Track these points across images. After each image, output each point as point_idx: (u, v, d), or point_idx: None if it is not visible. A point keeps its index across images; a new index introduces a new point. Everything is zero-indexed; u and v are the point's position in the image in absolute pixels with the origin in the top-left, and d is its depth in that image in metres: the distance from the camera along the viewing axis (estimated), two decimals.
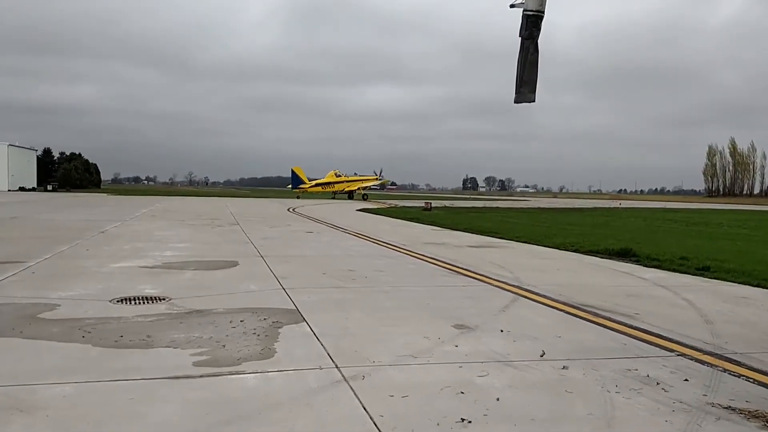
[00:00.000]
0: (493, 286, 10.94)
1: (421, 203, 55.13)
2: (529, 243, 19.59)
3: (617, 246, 17.27)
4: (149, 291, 9.58)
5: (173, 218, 28.71)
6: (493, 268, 13.01)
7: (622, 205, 69.10)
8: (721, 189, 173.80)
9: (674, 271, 13.55)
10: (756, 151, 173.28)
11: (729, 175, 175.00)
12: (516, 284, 11.12)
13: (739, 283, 12.02)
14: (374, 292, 9.98)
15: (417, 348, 6.63)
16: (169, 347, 6.44)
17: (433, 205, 51.52)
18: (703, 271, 13.32)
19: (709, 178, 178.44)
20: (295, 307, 8.54)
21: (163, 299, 8.96)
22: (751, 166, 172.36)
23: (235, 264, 12.80)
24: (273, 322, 7.61)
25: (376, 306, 8.82)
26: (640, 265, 14.60)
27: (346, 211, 43.40)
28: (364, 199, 71.84)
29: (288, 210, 41.86)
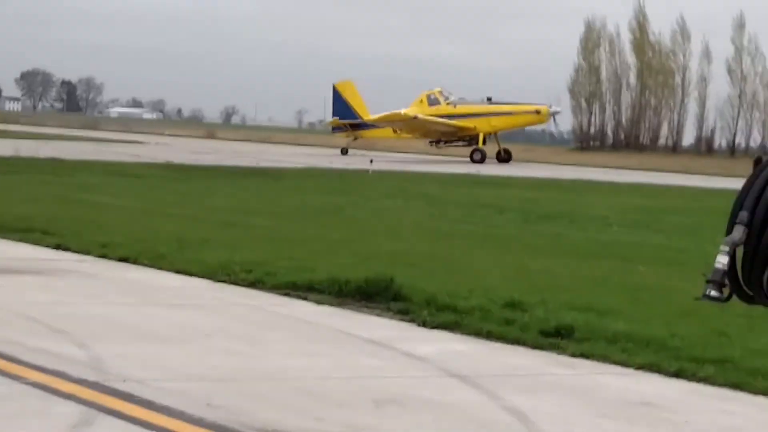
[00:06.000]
0: (27, 384, 4.64)
1: None
2: (133, 262, 9.10)
3: (359, 272, 8.03)
4: None
5: None
6: (28, 335, 5.86)
7: (374, 165, 30.36)
8: (610, 132, 69.79)
9: (488, 337, 6.16)
10: (690, 37, 66.64)
11: (632, 95, 68.51)
12: (94, 379, 4.82)
13: (637, 368, 5.70)
14: None
15: None
16: None
17: None
18: (556, 338, 6.04)
19: (584, 104, 68.42)
20: None
21: None
22: (680, 76, 67.07)
23: None
24: None
25: None
26: (406, 320, 6.83)
27: None
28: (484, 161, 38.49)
29: None
